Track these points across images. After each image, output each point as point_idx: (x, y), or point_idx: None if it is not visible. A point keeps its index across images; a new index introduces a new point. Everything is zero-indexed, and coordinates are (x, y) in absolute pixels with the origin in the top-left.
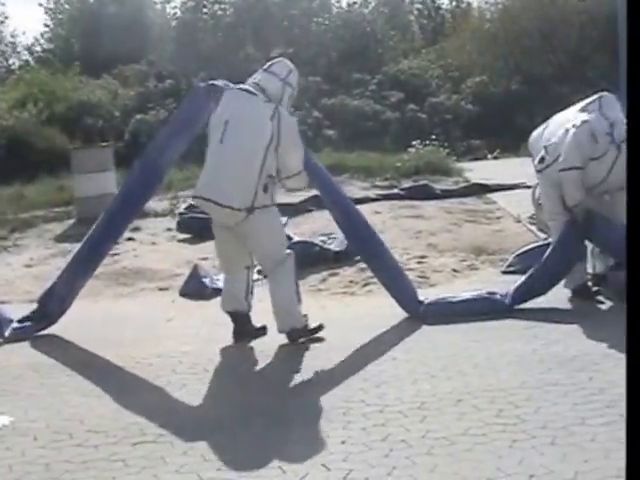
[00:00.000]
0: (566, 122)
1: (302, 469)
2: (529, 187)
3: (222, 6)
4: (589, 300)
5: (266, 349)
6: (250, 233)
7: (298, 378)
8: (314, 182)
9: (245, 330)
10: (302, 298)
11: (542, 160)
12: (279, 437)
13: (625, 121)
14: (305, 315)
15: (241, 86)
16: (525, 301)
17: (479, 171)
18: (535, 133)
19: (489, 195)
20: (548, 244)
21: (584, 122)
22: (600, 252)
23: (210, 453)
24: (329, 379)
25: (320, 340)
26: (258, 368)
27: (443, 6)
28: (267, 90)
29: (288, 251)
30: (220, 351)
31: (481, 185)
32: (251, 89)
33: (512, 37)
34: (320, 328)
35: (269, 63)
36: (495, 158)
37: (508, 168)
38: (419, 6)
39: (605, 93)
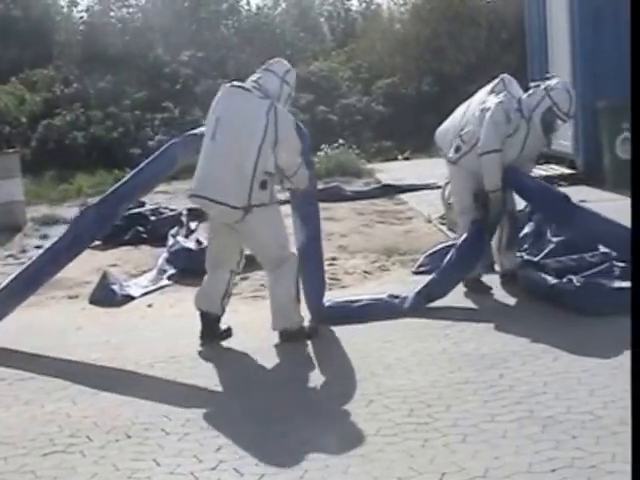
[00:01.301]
0: (475, 109)
1: (214, 474)
2: (439, 187)
3: (130, 10)
4: (483, 293)
5: (179, 354)
6: (249, 233)
7: (211, 383)
8: None
9: (211, 332)
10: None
11: (458, 149)
12: (191, 443)
13: (526, 94)
14: (302, 317)
15: (235, 83)
16: (424, 305)
17: (390, 172)
18: (440, 128)
19: (400, 196)
20: None
21: (499, 103)
22: (506, 249)
23: (121, 461)
24: (241, 384)
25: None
26: (170, 374)
27: (353, 8)
28: (266, 88)
29: (293, 251)
30: (131, 358)
31: (392, 186)
32: (245, 85)
33: (422, 38)
34: (315, 332)
35: (268, 62)
36: (406, 159)
37: (419, 169)
38: (329, 8)
39: (504, 75)
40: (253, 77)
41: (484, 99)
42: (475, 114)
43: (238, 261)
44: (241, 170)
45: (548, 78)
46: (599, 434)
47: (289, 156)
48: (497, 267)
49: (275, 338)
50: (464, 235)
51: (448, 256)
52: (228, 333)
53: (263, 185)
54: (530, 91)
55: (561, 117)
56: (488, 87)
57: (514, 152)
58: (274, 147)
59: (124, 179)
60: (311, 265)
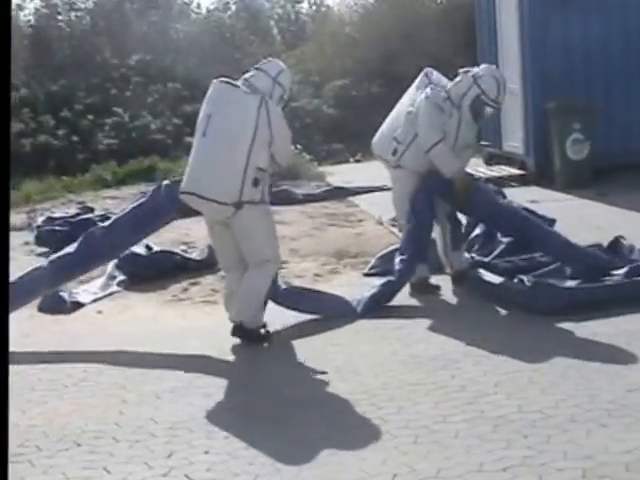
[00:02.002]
0: (405, 108)
1: None
2: (390, 189)
3: (78, 13)
4: (431, 294)
5: (128, 361)
6: (238, 230)
7: (160, 390)
8: None
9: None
10: (177, 309)
11: (395, 152)
12: (142, 450)
13: (453, 82)
14: (264, 323)
15: (224, 79)
16: (376, 308)
17: (341, 175)
18: (374, 139)
19: (351, 198)
20: None
21: (426, 98)
22: (453, 250)
23: (71, 470)
24: (188, 388)
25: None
26: (119, 381)
27: (303, 11)
28: (256, 87)
29: (278, 254)
30: (80, 366)
31: (343, 188)
32: (233, 82)
33: (373, 41)
34: (266, 336)
35: (261, 62)
36: (357, 161)
37: (370, 171)
38: (279, 11)
39: (427, 69)
40: (245, 75)
41: (411, 100)
42: (404, 116)
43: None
44: (232, 166)
45: (478, 65)
46: (550, 433)
47: (284, 149)
48: (447, 269)
49: (226, 344)
50: (405, 239)
51: (396, 260)
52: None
53: (255, 182)
54: (458, 78)
55: (490, 104)
56: (413, 86)
57: (450, 140)
58: (269, 144)
59: (116, 219)
60: None
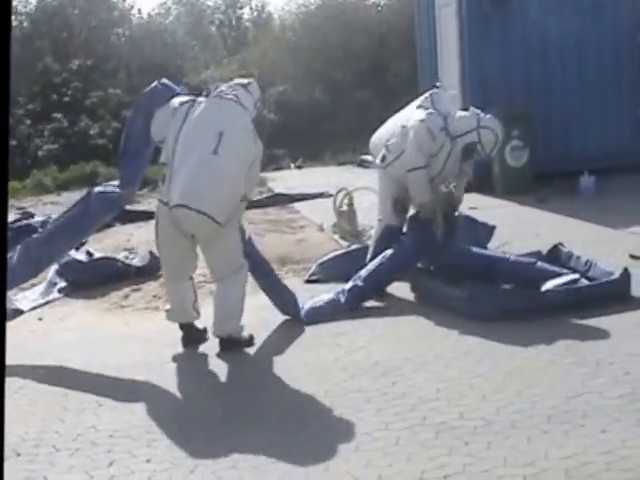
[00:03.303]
0: (403, 121)
1: None
2: (332, 195)
3: (18, 17)
4: (379, 299)
5: (70, 368)
6: (217, 242)
7: (102, 398)
8: None
9: (191, 338)
10: (118, 315)
11: (383, 158)
12: (82, 459)
13: (457, 115)
14: (242, 327)
15: (229, 95)
16: (317, 322)
17: (283, 181)
18: (374, 137)
19: (293, 204)
20: (350, 252)
21: (421, 121)
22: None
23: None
24: (130, 395)
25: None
26: (61, 389)
27: (245, 16)
28: (245, 106)
29: (243, 261)
30: (21, 373)
31: (284, 195)
32: (241, 100)
33: (314, 46)
34: (251, 340)
35: (245, 81)
36: (298, 167)
37: (311, 177)
38: (221, 16)
39: (435, 90)
40: (228, 89)
41: (412, 114)
42: (400, 127)
43: (195, 266)
44: (237, 187)
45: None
46: (491, 439)
47: (255, 180)
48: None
49: (169, 350)
50: (375, 242)
51: (349, 284)
52: (206, 333)
53: (242, 199)
54: (464, 113)
55: (481, 155)
56: (417, 101)
57: (437, 168)
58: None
59: (51, 226)
60: None
